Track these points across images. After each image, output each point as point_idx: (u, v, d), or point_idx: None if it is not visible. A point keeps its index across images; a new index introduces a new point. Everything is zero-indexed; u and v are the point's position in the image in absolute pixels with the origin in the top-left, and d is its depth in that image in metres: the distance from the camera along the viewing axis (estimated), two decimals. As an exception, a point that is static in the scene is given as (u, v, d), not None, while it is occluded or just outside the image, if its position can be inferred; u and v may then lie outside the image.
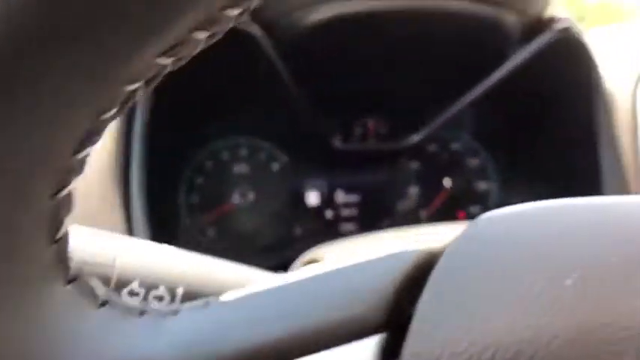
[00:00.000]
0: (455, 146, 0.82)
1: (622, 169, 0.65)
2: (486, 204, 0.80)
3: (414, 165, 0.79)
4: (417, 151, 0.78)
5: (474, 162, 0.81)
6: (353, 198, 0.76)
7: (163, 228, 0.61)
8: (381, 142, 0.76)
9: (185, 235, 0.70)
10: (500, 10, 0.54)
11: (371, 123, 0.78)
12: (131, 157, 0.48)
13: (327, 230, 0.76)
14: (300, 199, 0.75)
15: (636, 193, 0.65)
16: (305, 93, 0.61)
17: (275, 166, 0.74)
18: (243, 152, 0.73)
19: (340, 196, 0.76)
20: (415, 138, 0.75)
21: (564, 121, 0.68)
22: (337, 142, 0.74)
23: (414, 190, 0.79)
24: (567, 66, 0.62)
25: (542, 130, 0.71)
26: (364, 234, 0.40)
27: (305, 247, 0.75)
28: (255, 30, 0.50)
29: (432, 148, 0.81)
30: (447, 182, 0.80)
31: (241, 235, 0.72)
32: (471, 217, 0.80)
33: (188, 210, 0.70)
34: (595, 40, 0.79)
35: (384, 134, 0.78)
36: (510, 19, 0.56)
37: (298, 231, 0.75)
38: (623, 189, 0.65)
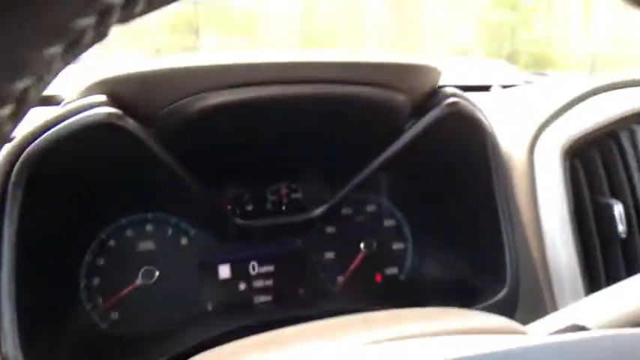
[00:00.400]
0: (370, 208, 0.82)
1: (521, 229, 0.67)
2: (402, 265, 0.81)
3: (330, 229, 0.79)
4: (331, 215, 0.77)
5: (389, 223, 0.82)
6: (267, 268, 0.75)
7: (56, 323, 0.57)
8: (293, 211, 0.76)
9: (86, 321, 0.66)
10: (389, 91, 0.55)
11: (284, 190, 0.77)
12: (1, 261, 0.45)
13: (241, 303, 0.73)
14: (211, 272, 0.72)
15: (536, 251, 0.67)
16: (200, 174, 0.60)
17: (183, 240, 0.72)
18: (149, 228, 0.71)
19: (253, 268, 0.74)
20: (325, 207, 0.75)
21: (465, 186, 0.69)
22: (244, 217, 0.73)
23: (329, 255, 0.78)
24: (460, 136, 0.64)
25: (447, 194, 0.72)
26: (251, 338, 0.38)
27: (219, 322, 0.72)
28: (131, 125, 0.49)
29: (347, 211, 0.80)
30: (363, 245, 0.79)
31: (149, 316, 0.69)
32: (387, 278, 0.80)
33: (88, 294, 0.66)
34: (498, 100, 0.82)
35: (297, 199, 0.77)
36: (400, 98, 0.57)
37: (211, 306, 0.72)
38: (522, 249, 0.66)
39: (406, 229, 0.82)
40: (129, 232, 0.70)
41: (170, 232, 0.71)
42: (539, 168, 0.68)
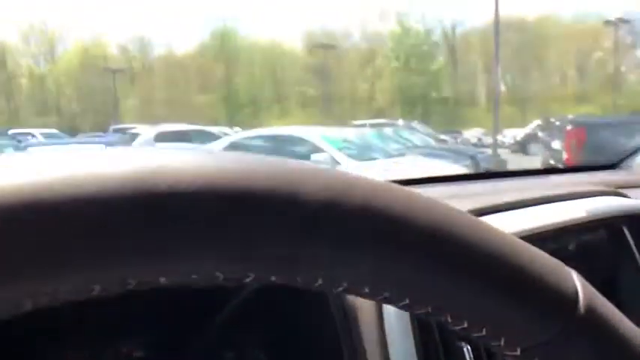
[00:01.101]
0: (229, 356, 0.75)
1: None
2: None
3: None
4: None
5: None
6: None
7: None
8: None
9: None
10: None
11: (124, 350, 0.70)
12: None
13: None
14: None
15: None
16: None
17: None
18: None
19: None
20: None
21: (313, 342, 0.65)
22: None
23: None
24: (298, 293, 0.60)
25: (300, 350, 0.68)
26: None
27: None
28: None
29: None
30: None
31: None
32: None
33: None
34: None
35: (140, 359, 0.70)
36: None
37: None
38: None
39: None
40: None
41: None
42: (388, 313, 0.65)
